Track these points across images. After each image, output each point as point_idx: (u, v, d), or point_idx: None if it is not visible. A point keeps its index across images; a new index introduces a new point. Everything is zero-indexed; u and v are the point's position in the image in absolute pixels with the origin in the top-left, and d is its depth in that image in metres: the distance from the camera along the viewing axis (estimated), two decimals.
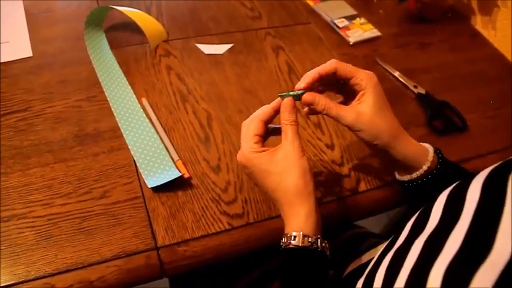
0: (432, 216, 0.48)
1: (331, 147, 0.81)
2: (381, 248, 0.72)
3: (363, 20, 1.09)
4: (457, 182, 0.50)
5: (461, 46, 1.09)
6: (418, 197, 0.69)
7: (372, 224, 1.01)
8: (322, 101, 0.62)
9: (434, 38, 1.09)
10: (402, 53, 1.04)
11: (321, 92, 0.66)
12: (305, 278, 0.57)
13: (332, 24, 1.07)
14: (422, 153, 0.65)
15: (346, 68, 0.62)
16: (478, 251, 0.38)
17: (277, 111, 0.63)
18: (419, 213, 0.52)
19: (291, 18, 1.08)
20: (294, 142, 0.60)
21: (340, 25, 1.06)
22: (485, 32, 1.13)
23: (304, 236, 0.57)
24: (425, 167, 0.64)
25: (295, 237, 0.57)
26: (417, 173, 0.65)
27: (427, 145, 0.67)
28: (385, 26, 1.09)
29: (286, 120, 0.61)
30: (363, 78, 0.62)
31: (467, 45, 1.10)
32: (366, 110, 0.61)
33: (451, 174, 0.65)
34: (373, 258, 0.60)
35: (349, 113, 0.62)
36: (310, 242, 0.57)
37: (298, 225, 0.58)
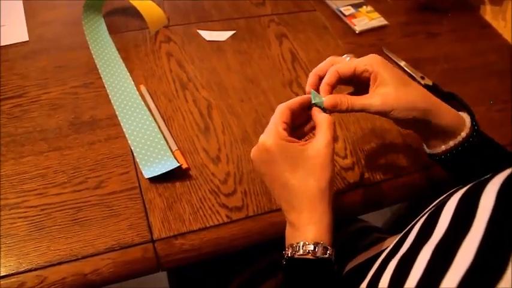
0: (441, 221, 0.45)
1: (334, 139, 0.79)
2: (384, 244, 0.71)
3: (369, 8, 1.06)
4: (470, 185, 0.47)
5: (470, 37, 1.07)
6: (450, 171, 0.66)
7: (375, 218, 0.99)
8: (344, 99, 0.58)
9: (442, 28, 1.07)
10: (409, 43, 1.02)
11: None
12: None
13: (338, 12, 1.05)
14: (460, 119, 0.61)
15: (346, 68, 0.59)
16: (492, 267, 0.35)
17: (302, 106, 0.58)
18: (427, 216, 0.50)
19: (295, 5, 1.06)
20: (331, 142, 0.55)
21: (346, 13, 1.04)
22: (495, 23, 1.10)
23: (324, 247, 0.53)
24: (463, 134, 0.60)
25: (315, 247, 0.52)
26: (454, 140, 0.61)
27: (461, 112, 0.63)
28: (393, 15, 1.06)
29: (323, 117, 0.56)
30: (366, 63, 0.58)
31: (476, 36, 1.07)
32: (388, 88, 0.57)
33: (484, 147, 0.62)
34: (376, 256, 0.57)
35: (373, 99, 0.58)
36: (328, 253, 0.53)
37: (319, 235, 0.53)
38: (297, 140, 0.56)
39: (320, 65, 0.61)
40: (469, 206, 0.43)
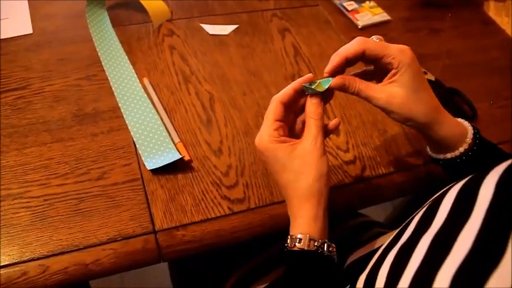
0: (440, 212, 0.46)
1: (336, 132, 0.79)
2: (385, 239, 0.71)
3: (372, 3, 1.06)
4: (469, 177, 0.47)
5: (473, 33, 1.06)
6: (449, 174, 0.66)
7: (376, 213, 0.99)
8: (352, 83, 0.57)
9: (445, 24, 1.07)
10: (412, 38, 1.01)
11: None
12: (308, 282, 0.54)
13: (341, 7, 1.04)
14: (461, 134, 0.61)
15: (375, 49, 0.56)
16: (490, 256, 0.35)
17: (298, 92, 0.58)
18: (426, 208, 0.50)
19: (298, 0, 1.06)
20: (317, 139, 0.55)
21: (349, 8, 1.03)
22: (498, 19, 1.09)
23: (310, 239, 0.54)
24: (461, 149, 0.61)
25: (300, 239, 0.54)
26: (452, 153, 0.62)
27: (466, 124, 0.62)
28: (395, 10, 1.06)
29: (311, 113, 0.57)
30: (395, 56, 0.56)
31: (479, 32, 1.07)
32: (398, 91, 0.57)
33: (486, 156, 0.62)
34: (376, 250, 0.57)
35: (380, 94, 0.57)
36: (316, 245, 0.54)
37: (305, 227, 0.55)
38: (288, 140, 0.57)
39: (352, 47, 0.57)
40: (468, 196, 0.43)
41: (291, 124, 0.61)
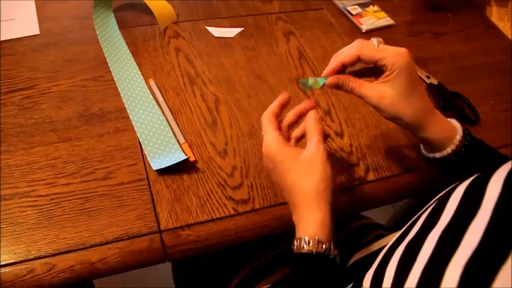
0: (447, 208, 0.46)
1: (340, 135, 0.80)
2: (386, 241, 0.71)
3: (376, 7, 1.07)
4: (476, 175, 0.47)
5: (475, 37, 1.07)
6: (443, 172, 0.68)
7: (378, 215, 1.00)
8: (346, 82, 0.60)
9: (448, 28, 1.07)
10: (415, 42, 1.02)
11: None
12: (315, 283, 0.55)
13: (345, 11, 1.05)
14: (449, 135, 0.63)
15: (370, 54, 0.59)
16: (498, 250, 0.35)
17: (284, 106, 0.63)
18: (433, 206, 0.50)
19: (303, 4, 1.06)
20: (319, 146, 0.58)
21: (353, 12, 1.04)
22: (500, 24, 1.10)
23: (318, 241, 0.55)
24: (449, 150, 0.63)
25: (309, 242, 0.55)
26: (440, 153, 0.64)
27: (456, 125, 0.64)
28: (399, 14, 1.07)
29: (312, 126, 0.60)
30: (389, 58, 0.58)
31: (482, 36, 1.08)
32: (390, 92, 0.59)
33: (477, 156, 0.64)
34: (380, 249, 0.58)
35: (372, 93, 0.60)
36: (324, 248, 0.55)
37: (314, 230, 0.56)
38: (292, 145, 0.62)
39: (348, 52, 0.60)
40: (476, 192, 0.43)
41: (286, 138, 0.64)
